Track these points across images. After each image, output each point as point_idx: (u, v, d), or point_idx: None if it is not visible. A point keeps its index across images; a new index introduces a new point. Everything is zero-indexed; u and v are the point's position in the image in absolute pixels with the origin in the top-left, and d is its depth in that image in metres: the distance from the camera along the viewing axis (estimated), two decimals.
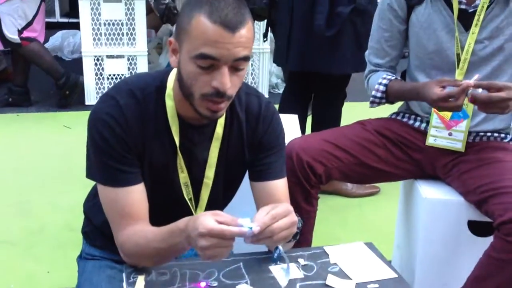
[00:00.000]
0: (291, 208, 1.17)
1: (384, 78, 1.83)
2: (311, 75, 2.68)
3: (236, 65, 1.19)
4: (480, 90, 1.55)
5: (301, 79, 2.73)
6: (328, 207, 2.68)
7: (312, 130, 2.75)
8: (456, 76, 1.71)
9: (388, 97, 1.83)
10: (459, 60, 1.71)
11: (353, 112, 2.67)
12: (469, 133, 1.76)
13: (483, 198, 1.60)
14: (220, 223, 1.08)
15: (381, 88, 1.82)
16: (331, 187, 2.78)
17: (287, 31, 2.54)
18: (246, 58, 1.20)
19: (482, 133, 1.78)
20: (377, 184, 2.86)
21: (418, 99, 1.72)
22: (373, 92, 1.84)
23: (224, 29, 1.15)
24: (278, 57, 2.72)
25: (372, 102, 1.86)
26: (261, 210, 1.14)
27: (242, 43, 1.17)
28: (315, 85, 2.73)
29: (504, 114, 1.60)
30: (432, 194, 1.77)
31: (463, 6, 1.70)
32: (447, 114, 1.73)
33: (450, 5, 1.71)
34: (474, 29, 1.68)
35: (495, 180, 1.60)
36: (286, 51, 2.59)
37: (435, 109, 1.72)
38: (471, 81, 1.56)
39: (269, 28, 2.97)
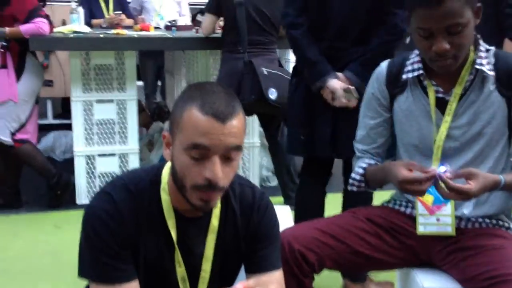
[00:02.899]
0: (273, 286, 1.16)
1: (365, 162, 1.87)
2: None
3: (228, 154, 1.22)
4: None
5: (322, 162, 2.68)
6: None
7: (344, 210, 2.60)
8: (433, 162, 1.75)
9: (367, 180, 1.85)
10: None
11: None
12: (460, 219, 1.77)
13: (484, 286, 1.57)
14: None
15: (360, 171, 1.86)
16: None
17: (329, 119, 2.47)
18: (238, 148, 1.23)
19: (473, 219, 1.78)
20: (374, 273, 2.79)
21: (387, 178, 1.73)
22: (353, 175, 1.88)
23: (215, 119, 1.19)
24: (317, 148, 2.54)
25: (351, 185, 1.89)
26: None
27: (233, 133, 1.21)
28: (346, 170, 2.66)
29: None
30: (430, 283, 1.74)
31: (440, 95, 1.76)
32: (429, 200, 1.75)
33: (428, 94, 1.77)
34: (447, 118, 1.74)
35: (495, 268, 1.58)
36: (330, 140, 2.48)
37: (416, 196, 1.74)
38: (439, 171, 1.58)
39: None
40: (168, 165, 1.33)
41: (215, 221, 1.36)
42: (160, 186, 1.33)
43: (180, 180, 1.25)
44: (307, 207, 2.64)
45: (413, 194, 1.67)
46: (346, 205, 2.64)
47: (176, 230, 1.32)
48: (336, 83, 2.38)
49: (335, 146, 2.49)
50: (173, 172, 1.28)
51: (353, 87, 2.37)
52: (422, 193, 1.62)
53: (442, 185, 1.57)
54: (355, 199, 2.40)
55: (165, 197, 1.32)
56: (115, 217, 1.26)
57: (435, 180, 1.58)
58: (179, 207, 1.32)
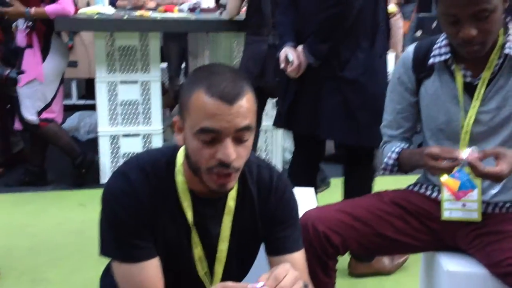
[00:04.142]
0: (287, 265, 1.16)
1: (398, 147, 1.86)
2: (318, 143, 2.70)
3: (239, 135, 1.21)
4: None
5: (309, 146, 2.71)
6: (347, 283, 2.63)
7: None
8: (460, 147, 1.73)
9: (400, 164, 1.84)
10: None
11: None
12: (488, 203, 1.76)
13: (509, 271, 1.57)
14: None
15: (394, 155, 1.85)
16: (372, 269, 2.68)
17: (291, 93, 2.57)
18: (248, 128, 1.21)
19: (501, 204, 1.77)
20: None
21: (421, 160, 1.70)
22: (386, 159, 1.87)
23: (222, 101, 1.18)
24: (279, 120, 2.72)
25: (384, 169, 1.88)
26: (262, 276, 1.14)
27: (241, 113, 1.19)
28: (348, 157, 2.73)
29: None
30: (454, 266, 1.73)
31: (468, 79, 1.74)
32: (455, 186, 1.73)
33: (455, 78, 1.75)
34: (475, 103, 1.72)
35: None
36: (286, 114, 2.61)
37: (442, 181, 1.73)
38: (466, 155, 1.57)
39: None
40: (183, 147, 1.33)
41: (231, 203, 1.36)
42: (176, 168, 1.33)
43: (194, 164, 1.24)
44: None
45: (432, 171, 1.65)
46: (346, 197, 2.67)
47: (192, 211, 1.32)
48: (283, 52, 2.51)
49: (291, 120, 2.61)
50: (187, 156, 1.27)
51: (289, 55, 2.47)
52: (439, 171, 1.62)
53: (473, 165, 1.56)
54: (355, 192, 2.42)
55: (180, 178, 1.32)
56: (131, 196, 1.27)
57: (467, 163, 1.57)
58: (195, 189, 1.32)
